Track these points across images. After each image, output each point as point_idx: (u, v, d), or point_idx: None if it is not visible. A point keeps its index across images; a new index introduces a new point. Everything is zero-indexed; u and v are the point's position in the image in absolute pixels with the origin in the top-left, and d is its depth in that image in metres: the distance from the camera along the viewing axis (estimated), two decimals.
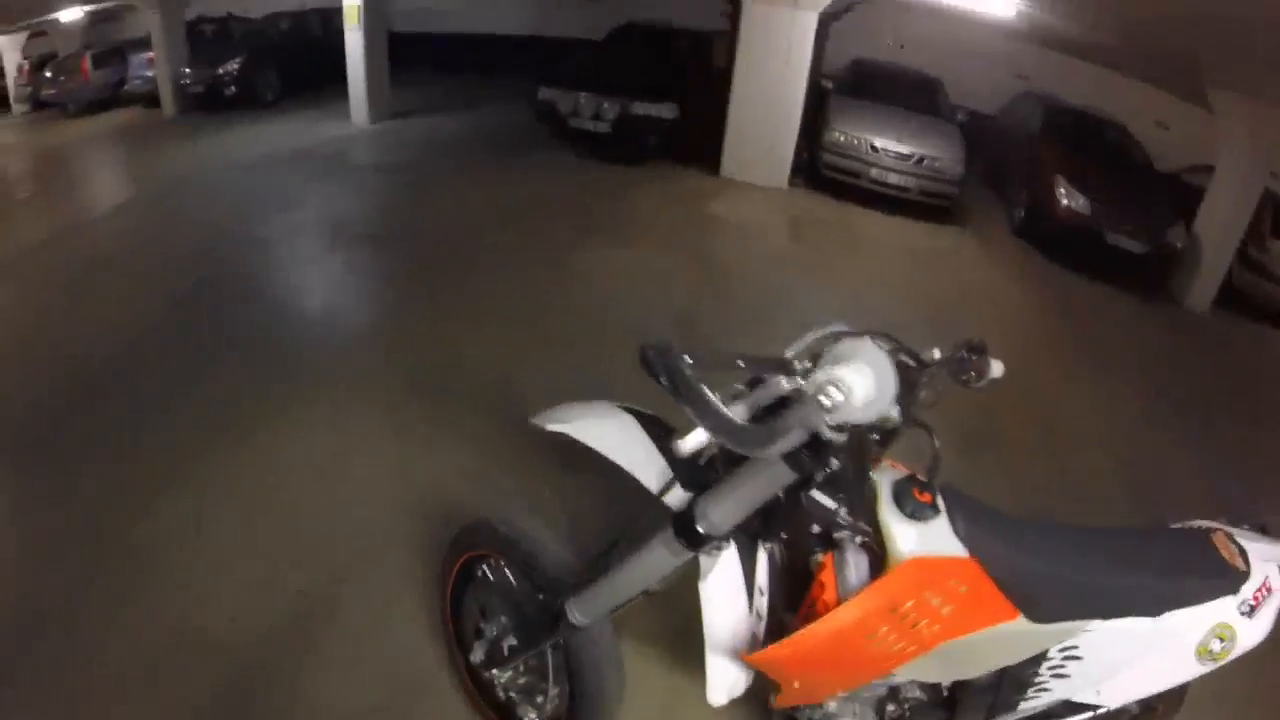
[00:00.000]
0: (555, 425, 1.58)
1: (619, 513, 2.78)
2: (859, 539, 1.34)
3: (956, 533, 1.32)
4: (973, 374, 1.30)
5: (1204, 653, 1.59)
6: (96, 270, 4.43)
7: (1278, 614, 1.68)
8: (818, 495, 1.30)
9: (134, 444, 2.82)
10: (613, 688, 1.67)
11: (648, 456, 1.50)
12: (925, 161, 6.78)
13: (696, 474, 1.41)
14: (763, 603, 1.47)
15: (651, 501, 1.46)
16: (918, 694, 1.68)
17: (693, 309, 4.44)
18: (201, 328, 3.71)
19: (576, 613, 1.54)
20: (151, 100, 9.25)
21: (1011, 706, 1.66)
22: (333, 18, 8.39)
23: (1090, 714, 1.70)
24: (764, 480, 1.28)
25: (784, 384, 1.26)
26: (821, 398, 1.07)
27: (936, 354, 1.29)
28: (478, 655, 1.81)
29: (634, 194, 6.11)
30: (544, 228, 5.19)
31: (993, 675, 1.58)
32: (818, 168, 6.87)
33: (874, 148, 6.72)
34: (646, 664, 2.19)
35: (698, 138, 6.79)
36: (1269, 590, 1.65)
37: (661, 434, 1.52)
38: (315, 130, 7.61)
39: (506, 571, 1.79)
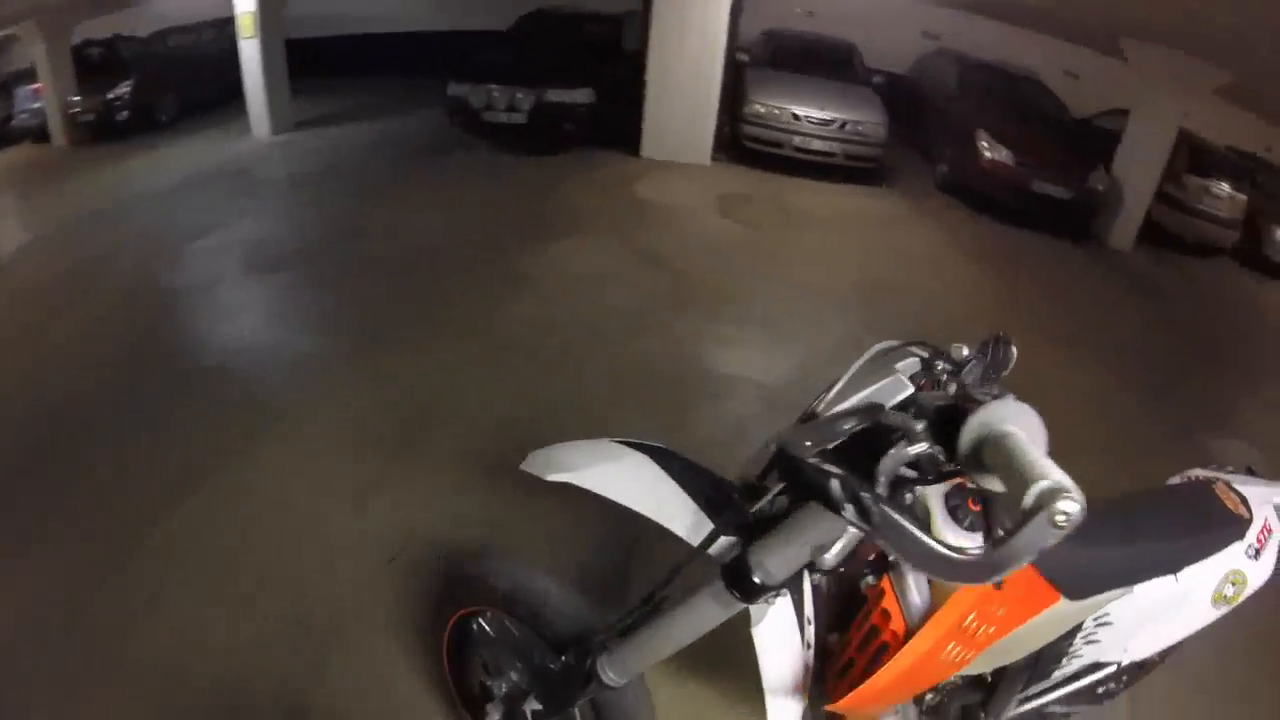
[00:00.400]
0: (558, 474, 1.40)
1: (629, 554, 2.65)
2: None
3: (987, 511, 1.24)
4: (1005, 366, 1.23)
5: (1219, 599, 1.69)
6: None
7: (1278, 550, 1.78)
8: None
9: (84, 515, 2.55)
10: None
11: (676, 502, 1.35)
12: (847, 126, 6.75)
13: (736, 515, 1.26)
14: (810, 632, 1.40)
15: (677, 544, 1.31)
16: (956, 680, 1.69)
17: (645, 308, 4.29)
18: (131, 379, 3.33)
19: (610, 672, 1.40)
20: (41, 134, 8.69)
21: (1046, 676, 1.73)
22: (226, 28, 8.00)
23: (1115, 668, 1.78)
24: (828, 524, 1.14)
25: (995, 486, 0.97)
26: (1058, 517, 0.79)
27: (965, 351, 1.21)
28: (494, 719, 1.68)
29: (558, 186, 5.95)
30: (470, 231, 4.95)
31: (1031, 653, 1.61)
32: (740, 141, 6.79)
33: (795, 116, 6.67)
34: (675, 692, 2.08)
35: (616, 121, 6.64)
36: (1269, 531, 1.76)
37: (680, 471, 1.38)
38: (217, 148, 7.23)
39: (509, 626, 1.65)
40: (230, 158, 6.87)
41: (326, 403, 3.13)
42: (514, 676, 1.65)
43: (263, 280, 4.18)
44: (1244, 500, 1.77)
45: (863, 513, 0.91)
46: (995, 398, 0.94)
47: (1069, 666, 1.74)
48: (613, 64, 7.09)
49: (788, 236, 5.82)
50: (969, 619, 1.26)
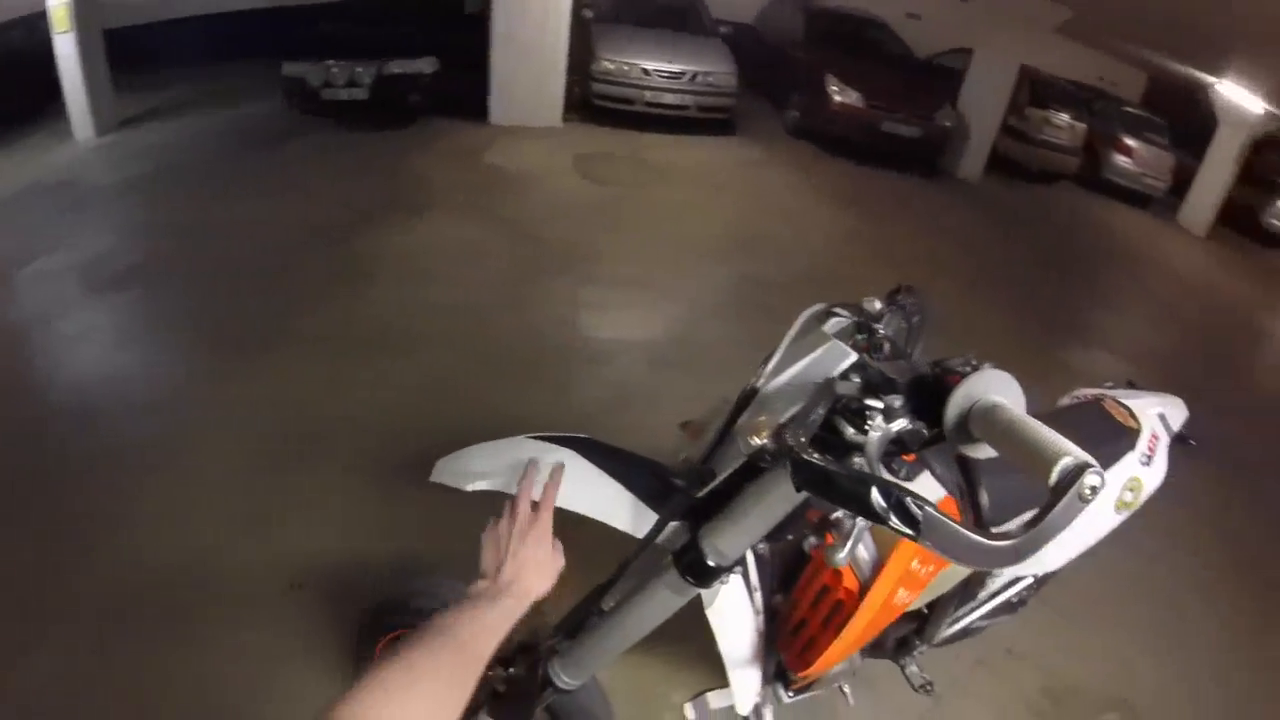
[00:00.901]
0: (476, 483, 1.29)
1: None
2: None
3: (935, 476, 1.29)
4: (918, 314, 1.22)
5: (1121, 505, 1.80)
6: None
7: (1167, 453, 1.90)
8: None
9: None
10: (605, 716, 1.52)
11: (611, 495, 1.28)
12: (698, 78, 6.76)
13: (682, 501, 1.20)
14: (758, 598, 1.39)
15: (607, 533, 1.24)
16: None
17: (510, 280, 4.15)
18: None
19: (565, 675, 1.34)
20: None
21: (973, 598, 1.84)
22: (38, 25, 7.34)
23: (1031, 579, 1.92)
24: (777, 499, 1.10)
25: (982, 453, 0.98)
26: (1086, 491, 0.80)
27: (878, 304, 1.17)
28: None
29: (407, 161, 5.69)
30: (319, 219, 4.61)
31: (959, 581, 1.68)
32: (591, 100, 6.69)
33: (645, 71, 6.62)
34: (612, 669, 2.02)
35: (463, 88, 6.43)
36: (1157, 438, 1.89)
37: (609, 461, 1.31)
38: (36, 159, 6.59)
39: None
40: (52, 167, 6.24)
41: (199, 428, 2.79)
42: None
43: (107, 301, 3.63)
44: (1131, 412, 1.87)
45: (909, 519, 0.86)
46: (975, 369, 0.93)
47: (992, 586, 1.85)
48: (455, 29, 6.86)
49: (648, 192, 5.77)
50: (913, 564, 1.29)
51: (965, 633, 2.06)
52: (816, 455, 0.90)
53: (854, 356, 1.05)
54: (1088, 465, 0.77)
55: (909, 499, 0.86)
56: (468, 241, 4.49)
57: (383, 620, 1.56)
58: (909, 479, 1.23)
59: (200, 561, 2.25)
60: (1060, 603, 2.67)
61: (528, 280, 4.15)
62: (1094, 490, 0.77)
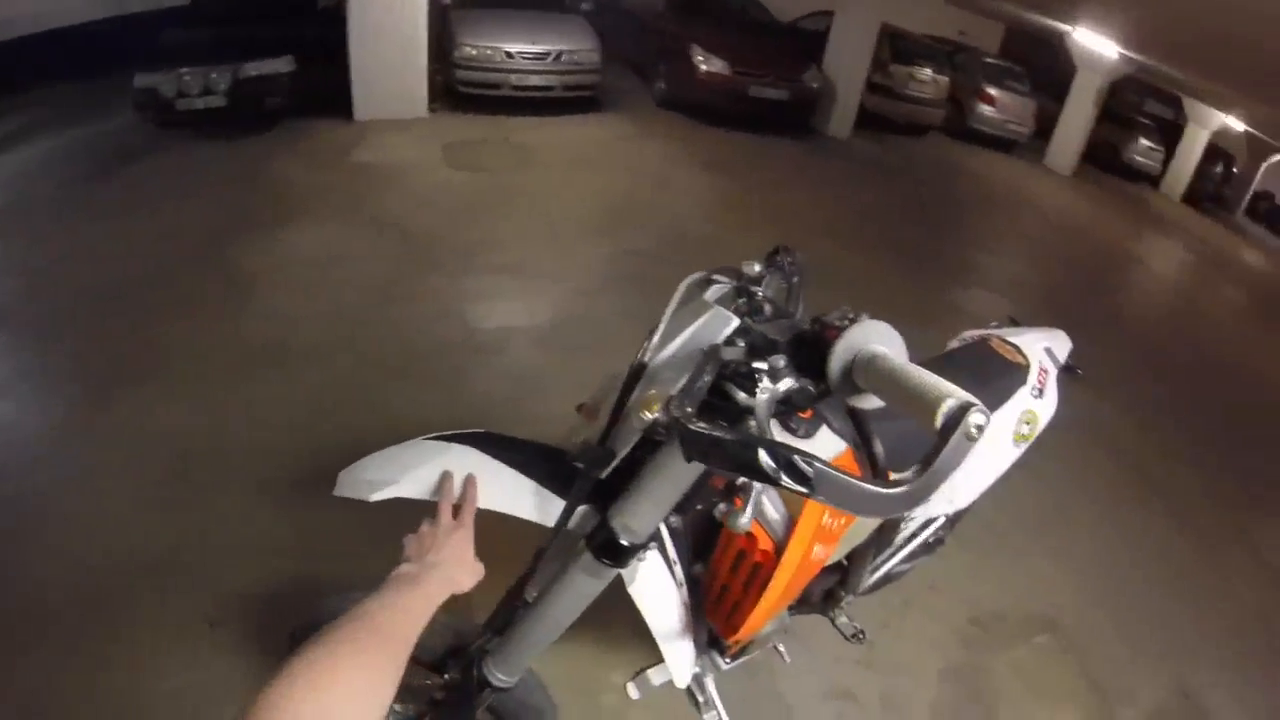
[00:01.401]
0: (380, 492, 1.22)
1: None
2: None
3: (834, 430, 1.32)
4: (796, 273, 1.22)
5: (1019, 438, 1.87)
6: None
7: (1056, 385, 1.99)
8: None
9: None
10: (547, 711, 1.55)
11: (515, 486, 1.24)
12: (563, 57, 6.77)
13: (585, 484, 1.17)
14: (678, 571, 1.38)
15: (516, 524, 1.22)
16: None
17: (390, 279, 4.07)
18: None
19: (499, 673, 1.33)
20: None
21: (889, 544, 1.88)
22: None
23: (943, 519, 2.00)
24: (679, 471, 1.09)
25: (869, 403, 0.98)
26: (972, 429, 0.81)
27: (757, 267, 1.16)
28: None
29: (271, 167, 5.52)
30: (185, 237, 4.37)
31: (873, 530, 1.74)
32: (455, 87, 6.63)
33: (509, 54, 6.59)
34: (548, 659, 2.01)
35: (323, 86, 6.28)
36: (1045, 371, 1.96)
37: (509, 453, 1.27)
38: None
39: None
40: None
41: (86, 472, 2.62)
42: (397, 708, 1.50)
43: None
44: (1018, 349, 1.96)
45: (800, 477, 0.84)
46: (852, 321, 0.93)
47: (907, 530, 1.91)
48: (309, 25, 6.70)
49: (521, 176, 5.76)
50: (824, 518, 1.30)
51: (888, 578, 2.13)
52: (704, 424, 0.89)
53: (736, 321, 1.06)
54: (970, 404, 0.79)
55: (797, 457, 0.85)
56: (338, 244, 4.38)
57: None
58: (808, 436, 1.30)
59: (108, 608, 2.16)
60: (974, 537, 2.82)
61: (405, 277, 4.08)
62: (979, 428, 0.79)
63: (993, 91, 10.47)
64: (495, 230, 4.77)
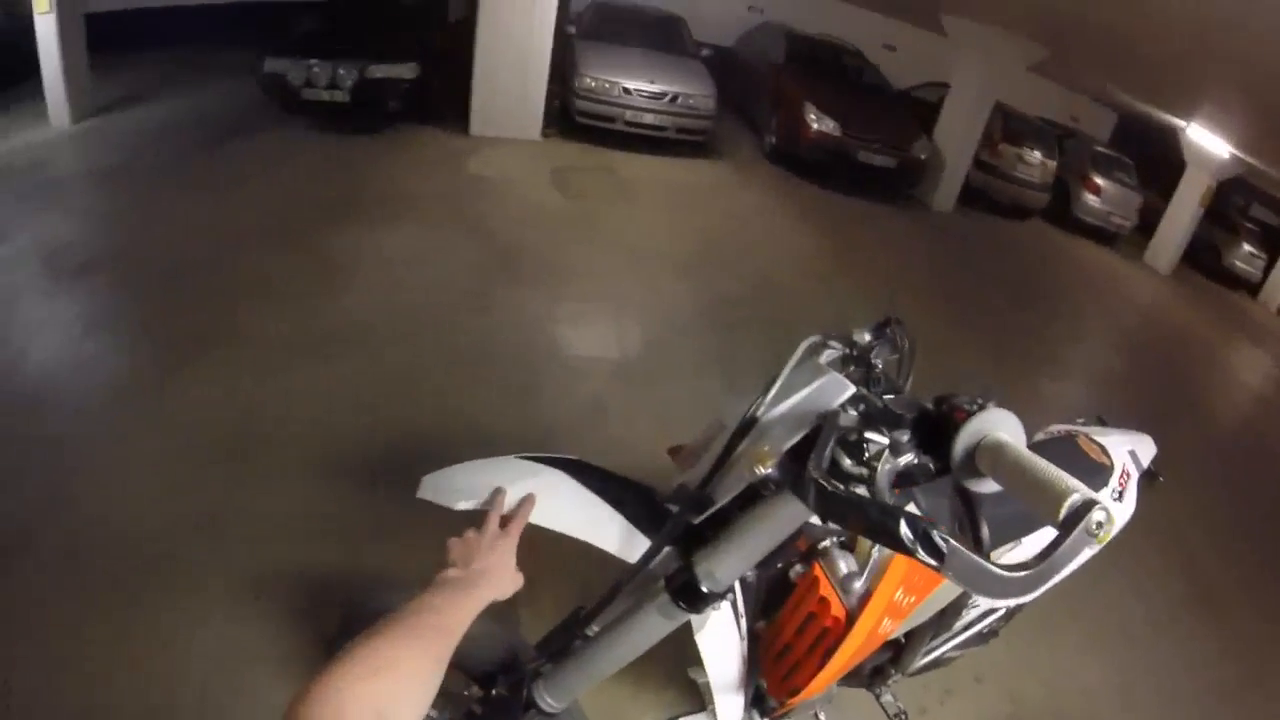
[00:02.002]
0: (467, 502, 1.25)
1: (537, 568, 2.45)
2: (841, 540, 1.32)
3: (917, 504, 1.31)
4: (904, 344, 1.22)
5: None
6: None
7: (1136, 490, 1.96)
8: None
9: None
10: None
11: (602, 517, 1.27)
12: (679, 99, 6.82)
13: (673, 523, 1.19)
14: (744, 624, 1.38)
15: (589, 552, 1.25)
16: None
17: (483, 289, 4.15)
18: None
19: (549, 698, 1.33)
20: None
21: (949, 628, 1.84)
22: (17, 6, 7.21)
23: (1003, 610, 1.97)
24: (778, 524, 1.11)
25: (987, 488, 1.00)
26: (1094, 527, 0.83)
27: (867, 336, 1.19)
28: None
29: (384, 165, 5.68)
30: (292, 217, 4.55)
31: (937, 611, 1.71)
32: (571, 115, 6.73)
33: (626, 90, 6.67)
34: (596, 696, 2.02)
35: (442, 97, 6.44)
36: (1127, 474, 1.94)
37: (600, 484, 1.30)
38: (10, 140, 6.50)
39: None
40: (24, 151, 6.19)
41: (150, 422, 2.74)
42: (433, 714, 1.52)
43: (64, 292, 3.56)
44: (1104, 449, 1.93)
45: (933, 550, 0.87)
46: (981, 406, 0.96)
47: (967, 617, 1.86)
48: (438, 36, 6.87)
49: (623, 208, 5.83)
50: (898, 593, 1.30)
51: (938, 662, 2.10)
52: (842, 486, 0.92)
53: (852, 389, 1.08)
54: (1095, 502, 0.80)
55: (935, 531, 0.87)
56: (439, 247, 4.49)
57: (353, 632, 1.55)
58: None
59: (152, 557, 2.23)
60: (1030, 635, 2.75)
61: (498, 288, 4.15)
62: (1100, 525, 0.80)
63: (1099, 181, 10.21)
64: (589, 256, 4.84)
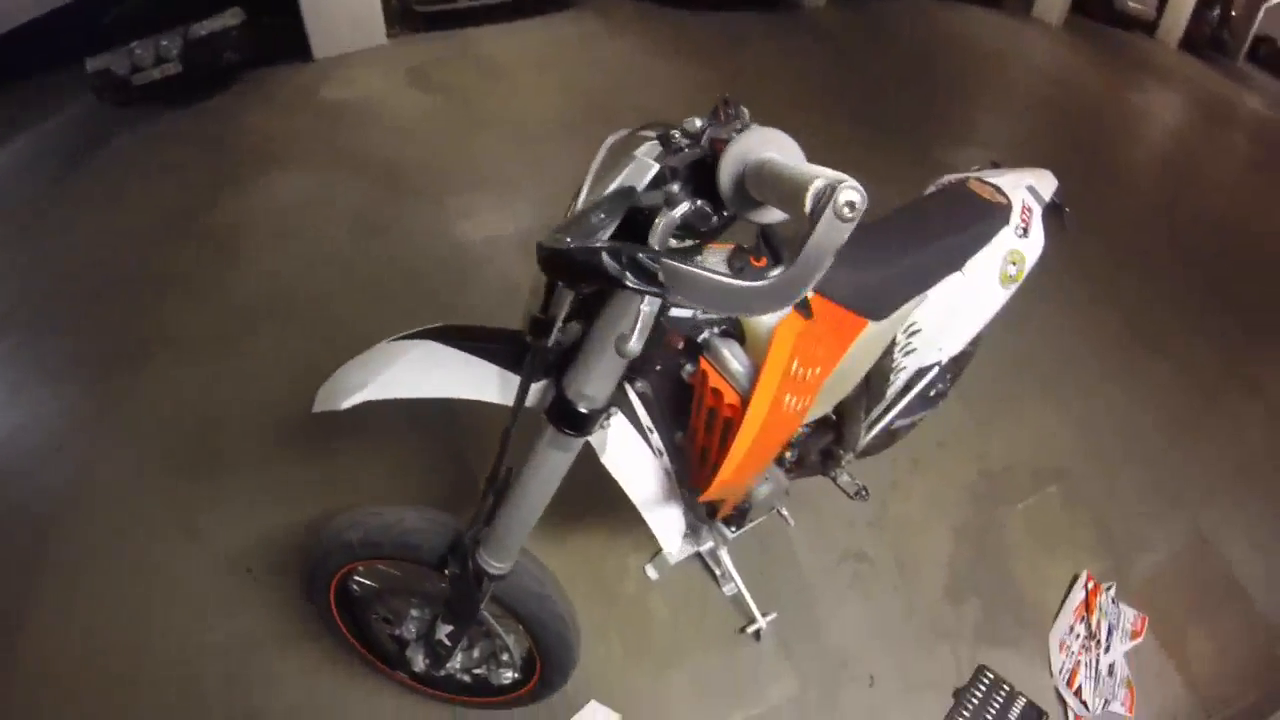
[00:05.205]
0: (350, 399, 1.25)
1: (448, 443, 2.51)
2: (720, 329, 1.29)
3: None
4: (737, 123, 1.12)
5: (1006, 279, 1.86)
6: None
7: (1042, 223, 1.96)
8: (675, 311, 1.20)
9: None
10: (563, 603, 1.57)
11: (476, 372, 1.27)
12: None
13: (536, 358, 1.20)
14: (655, 439, 1.41)
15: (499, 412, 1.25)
16: (804, 430, 1.79)
17: (371, 209, 4.10)
18: None
19: (493, 563, 1.39)
20: None
21: (881, 396, 1.87)
22: None
23: (937, 368, 1.95)
24: (613, 319, 1.12)
25: (773, 216, 0.95)
26: (844, 209, 0.75)
27: (699, 122, 1.10)
28: (419, 664, 1.65)
29: (237, 121, 5.42)
30: (166, 207, 4.35)
31: (860, 381, 1.72)
32: (411, 7, 6.35)
33: None
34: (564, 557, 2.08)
35: (276, 30, 6.07)
36: (1029, 210, 1.93)
37: (467, 341, 1.31)
38: None
39: (384, 570, 1.61)
40: None
41: (103, 454, 2.74)
42: (414, 613, 1.62)
43: None
44: (998, 189, 1.91)
45: (645, 274, 0.82)
46: (740, 131, 0.89)
47: (897, 381, 1.88)
48: None
49: (494, 88, 5.60)
50: (794, 366, 1.28)
51: (891, 435, 2.12)
52: (558, 242, 0.88)
53: (657, 167, 1.03)
54: (840, 181, 0.74)
55: (642, 254, 0.83)
56: (319, 185, 4.36)
57: (326, 566, 1.60)
58: (759, 280, 1.24)
59: (142, 573, 2.29)
60: (981, 392, 2.79)
61: (385, 205, 4.09)
62: (851, 205, 0.74)
63: None
64: (469, 146, 4.72)
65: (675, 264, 0.82)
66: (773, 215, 0.92)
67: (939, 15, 8.73)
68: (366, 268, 3.62)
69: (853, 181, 0.73)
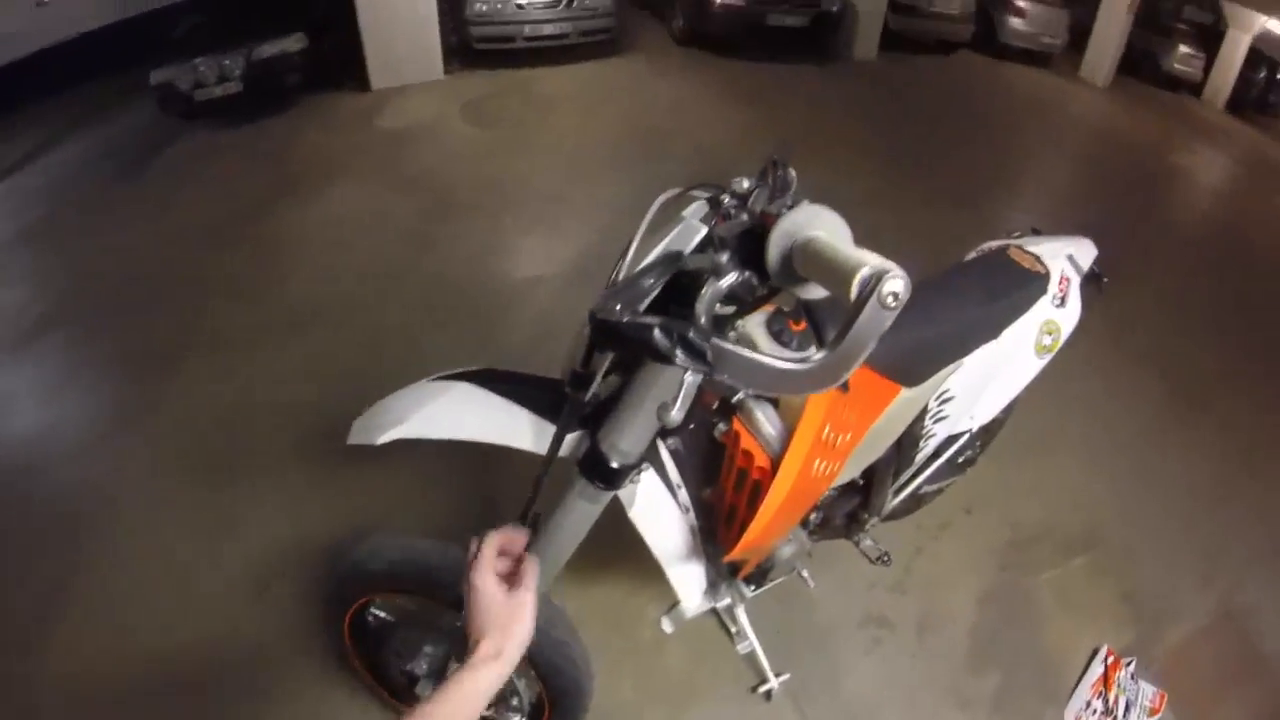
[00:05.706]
0: (386, 434, 1.26)
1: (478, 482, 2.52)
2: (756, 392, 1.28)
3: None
4: (787, 187, 1.13)
5: (1041, 349, 1.84)
6: None
7: (1080, 293, 1.92)
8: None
9: None
10: (578, 652, 1.53)
11: (513, 418, 1.28)
12: (574, 3, 6.65)
13: (574, 409, 1.19)
14: (683, 495, 1.39)
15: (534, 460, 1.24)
16: (832, 493, 1.76)
17: (421, 233, 4.20)
18: None
19: None
20: None
21: (910, 461, 1.83)
22: None
23: (967, 435, 1.91)
24: (664, 381, 1.09)
25: (816, 293, 0.91)
26: (887, 298, 0.75)
27: (746, 183, 1.09)
28: None
29: (294, 141, 5.57)
30: (221, 216, 4.47)
31: (890, 446, 1.69)
32: (470, 45, 6.56)
33: (519, 6, 6.49)
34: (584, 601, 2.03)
35: (337, 58, 6.28)
36: (1067, 279, 1.89)
37: (506, 386, 1.31)
38: None
39: (402, 604, 1.58)
40: None
41: (150, 454, 2.75)
42: (428, 649, 1.57)
43: (29, 351, 3.42)
44: (1038, 258, 1.88)
45: (695, 352, 0.84)
46: (790, 207, 0.88)
47: (927, 447, 1.83)
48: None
49: (544, 123, 5.77)
50: (825, 432, 1.27)
51: (918, 500, 2.07)
52: (612, 314, 0.88)
53: (704, 230, 1.03)
54: (885, 270, 0.73)
55: (694, 335, 0.84)
56: (369, 206, 4.48)
57: (343, 593, 1.58)
58: (802, 349, 1.25)
59: (162, 590, 2.26)
60: (1013, 456, 2.74)
61: (435, 231, 4.17)
62: (895, 295, 0.73)
63: (1021, 3, 9.96)
64: (520, 173, 4.85)
65: (723, 345, 0.84)
66: (817, 292, 0.91)
67: (987, 73, 8.88)
68: (416, 282, 3.70)
69: (898, 270, 0.74)
